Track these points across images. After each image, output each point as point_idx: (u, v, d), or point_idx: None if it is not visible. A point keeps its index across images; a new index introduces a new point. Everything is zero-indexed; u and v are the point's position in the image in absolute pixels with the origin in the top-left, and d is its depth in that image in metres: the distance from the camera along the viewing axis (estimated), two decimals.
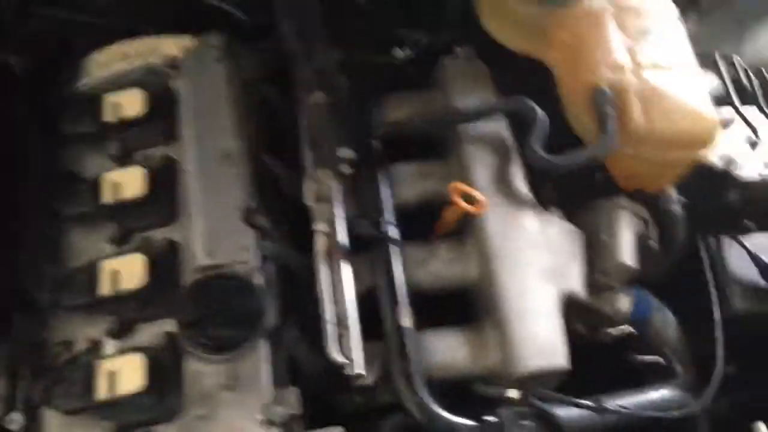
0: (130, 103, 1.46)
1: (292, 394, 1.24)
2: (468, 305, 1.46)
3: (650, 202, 1.57)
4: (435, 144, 1.58)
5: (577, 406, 1.26)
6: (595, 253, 1.46)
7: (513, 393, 1.25)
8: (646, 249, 1.51)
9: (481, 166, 1.46)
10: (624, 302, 1.48)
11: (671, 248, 1.57)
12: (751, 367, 1.63)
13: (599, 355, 1.53)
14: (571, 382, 1.36)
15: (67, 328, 1.32)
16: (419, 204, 1.49)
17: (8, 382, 1.30)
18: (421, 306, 1.36)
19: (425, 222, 1.49)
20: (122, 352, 1.27)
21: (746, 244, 1.64)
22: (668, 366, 1.57)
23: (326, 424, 1.26)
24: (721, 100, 1.71)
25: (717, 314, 1.53)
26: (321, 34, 1.47)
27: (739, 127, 1.76)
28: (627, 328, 1.49)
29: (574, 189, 1.56)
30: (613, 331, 1.48)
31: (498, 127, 1.51)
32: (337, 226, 1.37)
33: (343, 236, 1.37)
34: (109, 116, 1.46)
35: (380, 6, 1.67)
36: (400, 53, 1.66)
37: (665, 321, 1.55)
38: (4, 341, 1.32)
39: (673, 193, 1.58)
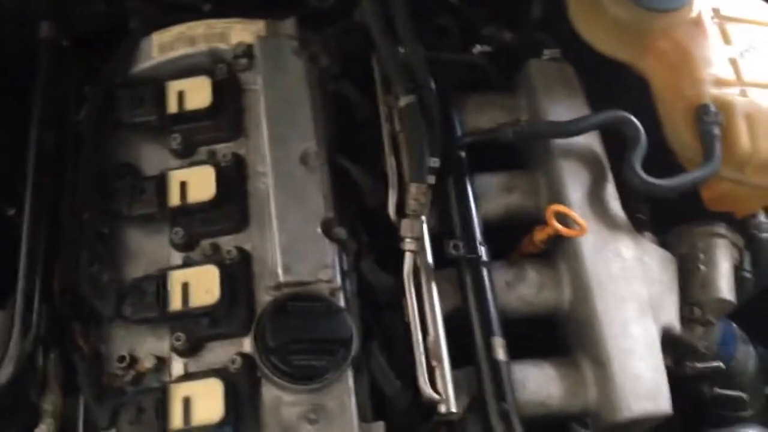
0: (197, 92, 1.33)
1: (378, 430, 1.15)
2: (548, 330, 1.37)
3: (740, 227, 1.48)
4: (516, 151, 1.48)
5: None
6: (691, 283, 1.38)
7: None
8: (741, 280, 1.42)
9: (574, 183, 1.36)
10: (713, 335, 1.40)
11: (759, 276, 1.49)
12: None
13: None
14: None
15: (131, 343, 1.20)
16: (503, 219, 1.39)
17: (61, 398, 1.20)
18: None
19: (501, 236, 1.40)
20: (194, 374, 1.16)
21: None
22: (743, 400, 1.51)
23: None
24: None
25: None
26: (410, 24, 1.34)
27: None
28: (715, 362, 1.40)
29: (663, 210, 1.47)
30: (701, 365, 1.40)
31: (591, 141, 1.41)
32: (424, 244, 1.27)
33: (430, 255, 1.27)
34: (173, 106, 1.33)
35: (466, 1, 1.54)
36: (479, 50, 1.53)
37: (747, 353, 1.48)
38: (58, 352, 1.20)
39: (763, 218, 1.49)
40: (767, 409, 1.57)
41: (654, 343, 1.25)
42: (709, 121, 1.34)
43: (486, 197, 1.38)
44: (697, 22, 1.45)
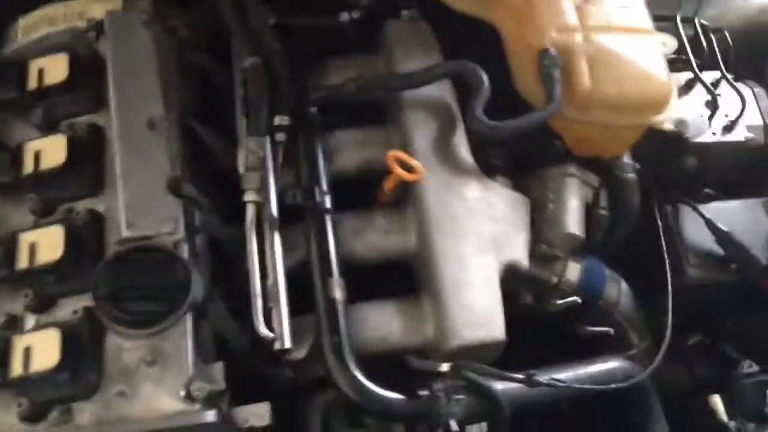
0: (55, 69, 1.39)
1: (217, 370, 1.19)
2: (408, 277, 1.41)
3: (604, 169, 1.52)
4: (377, 110, 1.52)
5: (508, 379, 1.21)
6: (542, 221, 1.41)
7: (445, 366, 1.20)
8: (595, 218, 1.46)
9: (422, 133, 1.40)
10: (573, 272, 1.44)
11: (624, 216, 1.52)
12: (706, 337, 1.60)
13: (548, 326, 1.49)
14: (521, 354, 1.32)
15: None
16: (359, 173, 1.44)
17: None
18: (358, 278, 1.31)
19: (367, 191, 1.44)
20: (40, 327, 1.21)
21: (703, 212, 1.60)
22: (620, 337, 1.54)
23: (257, 400, 1.22)
24: (681, 63, 1.66)
25: (669, 284, 1.48)
26: None
27: (698, 92, 1.71)
28: (575, 299, 1.44)
29: (525, 156, 1.50)
30: (561, 301, 1.43)
31: (441, 92, 1.45)
32: (269, 195, 1.31)
33: (274, 206, 1.31)
34: (33, 82, 1.39)
35: None
36: (344, 16, 1.58)
37: (620, 291, 1.51)
38: None
39: (627, 160, 1.52)
40: (654, 348, 1.58)
41: (492, 276, 1.29)
42: (549, 65, 1.37)
43: (342, 152, 1.43)
44: None
